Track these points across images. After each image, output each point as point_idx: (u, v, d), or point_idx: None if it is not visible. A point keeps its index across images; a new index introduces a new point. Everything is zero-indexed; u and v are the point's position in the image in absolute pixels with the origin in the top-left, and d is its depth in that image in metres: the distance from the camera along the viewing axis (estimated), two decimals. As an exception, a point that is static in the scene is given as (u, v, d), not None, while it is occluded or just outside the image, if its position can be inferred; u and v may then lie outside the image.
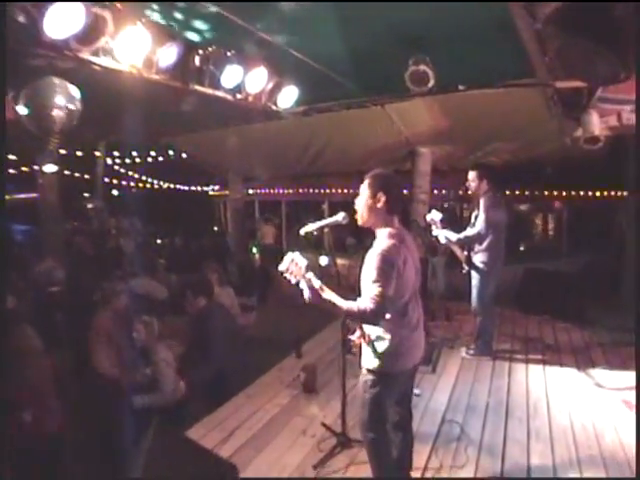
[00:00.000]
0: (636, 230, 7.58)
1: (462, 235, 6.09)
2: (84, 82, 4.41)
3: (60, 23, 3.28)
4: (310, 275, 2.83)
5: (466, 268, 6.22)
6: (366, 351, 3.18)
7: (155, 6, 3.88)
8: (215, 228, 18.86)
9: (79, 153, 13.94)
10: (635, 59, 2.86)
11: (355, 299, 2.93)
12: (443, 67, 4.63)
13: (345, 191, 13.29)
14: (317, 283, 2.86)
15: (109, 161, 16.74)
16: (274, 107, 5.82)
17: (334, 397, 4.85)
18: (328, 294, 2.90)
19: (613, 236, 10.90)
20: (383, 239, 3.04)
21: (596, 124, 6.06)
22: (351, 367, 4.12)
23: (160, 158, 16.07)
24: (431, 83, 4.69)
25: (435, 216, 6.01)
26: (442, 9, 3.77)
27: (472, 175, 6.13)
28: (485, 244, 5.97)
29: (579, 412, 4.85)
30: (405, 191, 8.10)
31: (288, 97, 5.76)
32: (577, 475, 3.84)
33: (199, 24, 4.22)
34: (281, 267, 2.84)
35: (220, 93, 5.08)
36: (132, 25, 3.78)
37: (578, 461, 4.01)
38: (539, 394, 5.27)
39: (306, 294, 2.86)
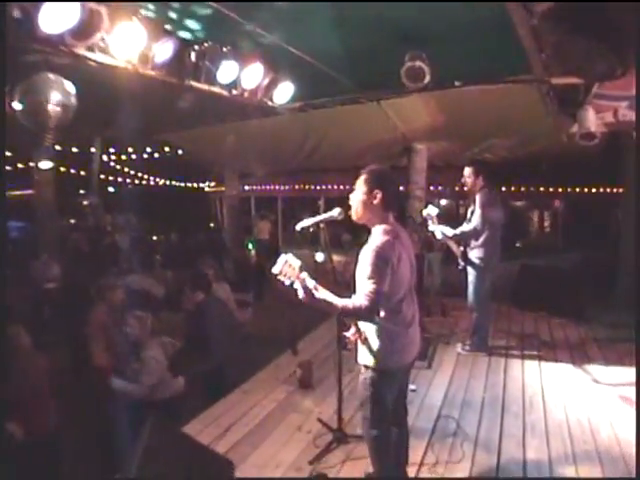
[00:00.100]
0: (636, 227, 7.59)
1: (458, 231, 6.09)
2: (79, 78, 4.39)
3: (55, 18, 3.26)
4: (304, 275, 2.82)
5: (462, 264, 6.22)
6: (362, 348, 3.18)
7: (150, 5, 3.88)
8: (211, 224, 18.86)
9: (75, 149, 13.94)
10: (632, 56, 2.87)
11: (351, 296, 2.93)
12: (439, 63, 4.62)
13: (341, 187, 13.29)
14: (311, 283, 2.84)
15: (105, 157, 16.72)
16: (270, 103, 5.80)
17: (330, 393, 4.85)
18: (323, 293, 2.89)
19: (609, 232, 10.93)
20: (378, 235, 3.03)
21: (592, 120, 6.07)
22: (347, 363, 4.13)
23: (156, 154, 16.08)
24: (427, 79, 4.68)
25: (431, 211, 6.00)
26: (438, 5, 3.76)
27: (468, 171, 6.13)
28: (481, 240, 5.98)
29: (575, 407, 4.86)
30: (401, 187, 8.12)
31: (284, 93, 5.74)
32: (573, 469, 3.84)
33: (195, 20, 4.21)
34: (275, 269, 2.81)
35: (216, 89, 5.06)
36: (127, 20, 3.77)
37: (574, 456, 4.02)
38: (535, 390, 5.28)
39: (300, 294, 2.85)
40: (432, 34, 4.38)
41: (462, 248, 6.20)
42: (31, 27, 3.20)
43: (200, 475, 3.13)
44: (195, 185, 21.37)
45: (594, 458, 3.99)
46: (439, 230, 6.05)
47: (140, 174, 21.12)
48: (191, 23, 4.27)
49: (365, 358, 3.15)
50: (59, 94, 4.42)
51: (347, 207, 3.28)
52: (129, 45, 3.91)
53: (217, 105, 6.04)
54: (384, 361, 3.11)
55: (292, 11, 3.97)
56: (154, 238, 15.72)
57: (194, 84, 4.80)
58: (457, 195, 12.24)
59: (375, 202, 3.06)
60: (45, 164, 9.94)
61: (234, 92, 5.27)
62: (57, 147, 11.07)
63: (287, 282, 2.83)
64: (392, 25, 4.20)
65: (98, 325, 5.16)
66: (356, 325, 3.21)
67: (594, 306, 7.95)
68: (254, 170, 13.93)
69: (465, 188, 6.26)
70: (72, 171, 17.44)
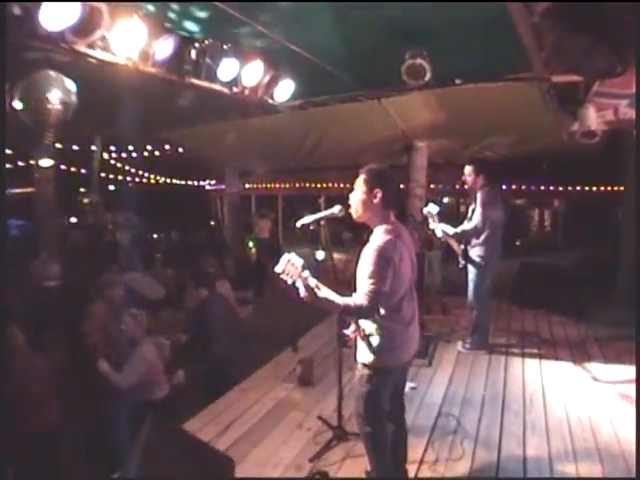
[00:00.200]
0: (636, 226, 7.58)
1: (459, 229, 6.10)
2: (80, 75, 4.39)
3: (56, 15, 3.26)
4: (306, 274, 2.82)
5: (463, 262, 6.22)
6: (361, 346, 3.18)
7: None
8: (212, 222, 18.85)
9: (75, 147, 13.91)
10: (632, 54, 2.86)
11: (351, 294, 2.93)
12: (440, 61, 4.61)
13: (342, 185, 13.29)
14: (313, 282, 2.85)
15: (105, 155, 16.70)
16: (270, 100, 5.80)
17: (330, 391, 4.85)
18: (324, 292, 2.90)
19: (609, 230, 10.93)
20: (379, 235, 3.03)
21: (593, 118, 6.05)
22: (347, 361, 4.13)
23: (157, 152, 16.05)
24: (427, 77, 4.67)
25: (432, 209, 5.99)
26: (438, 3, 3.76)
27: (468, 170, 6.14)
28: (482, 238, 5.98)
29: (575, 405, 4.87)
30: (401, 185, 8.13)
31: (284, 90, 5.74)
32: (573, 467, 3.85)
33: (195, 17, 4.20)
34: (277, 268, 2.82)
35: (216, 86, 5.06)
36: (128, 18, 3.76)
37: (574, 453, 4.03)
38: (535, 387, 5.29)
39: (302, 293, 2.85)
40: (433, 32, 4.38)
41: (463, 246, 6.20)
42: (32, 24, 3.20)
43: (200, 473, 3.13)
44: (196, 183, 21.34)
45: (594, 456, 3.99)
46: (440, 228, 6.04)
47: (141, 172, 21.08)
48: (191, 20, 4.26)
49: (364, 356, 3.16)
50: (59, 92, 4.42)
51: (348, 205, 3.28)
52: (129, 42, 3.91)
53: (218, 103, 6.05)
54: (383, 359, 3.11)
55: (293, 9, 3.96)
56: (154, 236, 15.71)
57: (195, 81, 4.79)
58: (457, 193, 12.22)
59: (375, 201, 3.07)
60: (45, 162, 9.90)
61: (235, 90, 5.27)
62: (57, 145, 11.04)
63: (289, 281, 2.83)
64: (393, 23, 4.20)
65: (97, 322, 5.17)
66: (356, 323, 3.22)
67: (594, 304, 7.95)
68: (255, 168, 13.93)
69: (466, 186, 6.26)
70: (72, 169, 17.42)
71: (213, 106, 6.78)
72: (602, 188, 11.79)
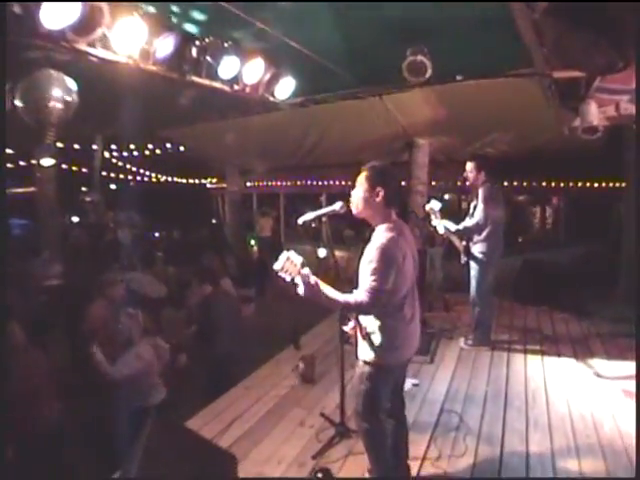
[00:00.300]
0: (638, 222, 7.57)
1: (461, 226, 6.10)
2: (81, 74, 4.40)
3: (56, 14, 3.26)
4: (306, 271, 2.82)
5: (465, 259, 6.23)
6: (362, 343, 3.18)
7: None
8: (213, 221, 18.83)
9: (76, 146, 13.92)
10: (632, 51, 2.86)
11: (352, 291, 2.93)
12: (440, 57, 4.61)
13: (343, 182, 13.27)
14: (313, 279, 2.85)
15: (107, 154, 16.70)
16: (271, 98, 5.79)
17: (332, 388, 4.86)
18: (324, 289, 2.90)
19: (611, 227, 10.91)
20: (382, 233, 3.03)
21: (594, 114, 6.04)
22: (349, 358, 4.13)
23: (158, 151, 16.05)
24: (428, 73, 4.68)
25: (434, 206, 6.00)
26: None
27: (470, 166, 6.14)
28: (484, 235, 5.98)
29: (577, 401, 4.87)
30: (402, 182, 8.13)
31: (285, 88, 5.73)
32: (575, 463, 3.86)
33: (196, 15, 4.20)
34: (276, 266, 2.81)
35: (217, 84, 5.05)
36: (128, 16, 3.76)
37: (576, 449, 4.03)
38: (538, 384, 5.29)
39: (301, 290, 2.85)
40: (433, 29, 4.37)
41: (465, 243, 6.21)
42: (32, 23, 3.20)
43: (202, 471, 3.13)
44: (197, 182, 21.33)
45: (597, 452, 4.00)
46: (442, 225, 6.05)
47: (142, 171, 21.08)
48: (192, 18, 4.26)
49: (365, 353, 3.16)
50: (60, 91, 4.43)
51: (349, 202, 3.27)
52: (130, 40, 3.90)
53: (218, 100, 6.04)
54: (384, 357, 3.12)
55: (293, 7, 3.96)
56: (156, 235, 15.71)
57: (195, 79, 4.78)
58: (459, 190, 12.21)
59: (377, 199, 3.06)
60: (47, 161, 9.90)
61: (235, 87, 5.26)
62: (59, 144, 11.04)
63: (288, 278, 2.83)
64: (393, 20, 4.19)
65: (97, 320, 5.17)
66: (356, 320, 3.22)
67: (596, 301, 7.96)
68: (256, 166, 13.89)
69: (467, 183, 6.27)
70: (74, 168, 17.44)
71: (214, 104, 6.77)
72: (604, 184, 11.75)
